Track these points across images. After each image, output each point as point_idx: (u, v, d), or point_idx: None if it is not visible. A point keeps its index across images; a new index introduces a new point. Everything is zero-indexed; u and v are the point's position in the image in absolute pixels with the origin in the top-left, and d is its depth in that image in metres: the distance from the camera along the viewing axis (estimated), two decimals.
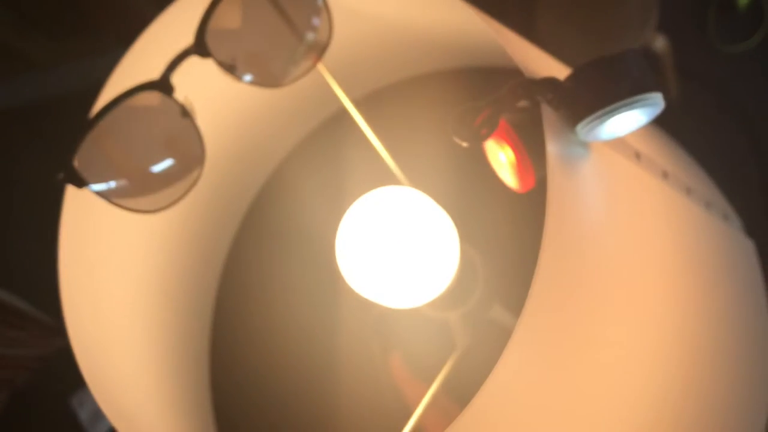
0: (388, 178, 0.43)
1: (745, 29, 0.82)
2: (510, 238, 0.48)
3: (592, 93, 0.29)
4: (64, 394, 0.78)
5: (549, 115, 0.29)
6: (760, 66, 0.81)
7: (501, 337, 0.41)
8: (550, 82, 0.30)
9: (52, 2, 0.92)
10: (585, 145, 0.31)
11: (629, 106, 0.28)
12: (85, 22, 0.94)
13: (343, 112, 0.47)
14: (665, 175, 0.39)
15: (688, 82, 0.81)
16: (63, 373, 0.79)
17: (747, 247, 0.48)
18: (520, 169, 0.32)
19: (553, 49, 0.79)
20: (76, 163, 0.34)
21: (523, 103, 0.30)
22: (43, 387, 0.80)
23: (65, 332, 0.40)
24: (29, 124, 0.98)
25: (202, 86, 0.39)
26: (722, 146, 0.78)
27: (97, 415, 0.77)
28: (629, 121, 0.29)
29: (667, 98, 0.29)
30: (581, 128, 0.29)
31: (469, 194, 0.47)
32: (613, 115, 0.29)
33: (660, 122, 0.57)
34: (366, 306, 0.42)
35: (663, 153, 0.42)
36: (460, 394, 0.44)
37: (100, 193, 0.35)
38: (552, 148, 0.29)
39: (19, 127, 0.99)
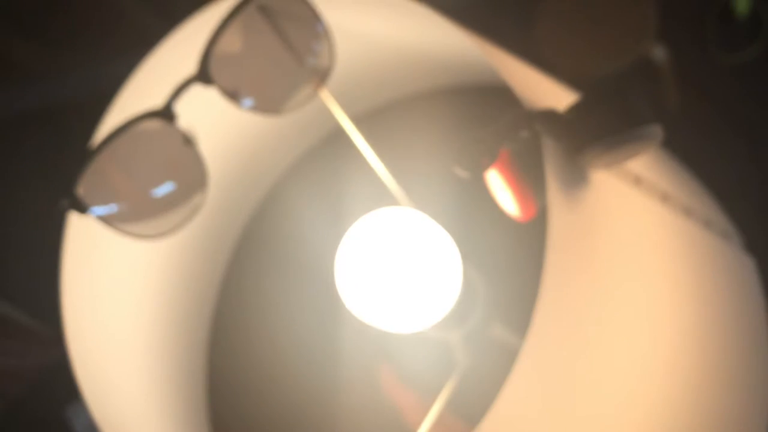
0: (387, 198, 0.43)
1: (745, 39, 0.82)
2: (511, 258, 0.48)
3: (592, 125, 0.29)
4: (59, 406, 0.78)
5: (549, 146, 0.30)
6: (760, 76, 0.81)
7: (502, 357, 0.41)
8: (551, 114, 0.30)
9: (48, 11, 0.92)
10: (585, 174, 0.31)
11: (629, 139, 0.29)
12: (81, 32, 0.94)
13: (339, 132, 0.47)
14: (665, 198, 0.39)
15: (688, 92, 0.81)
16: (59, 384, 0.79)
17: (747, 264, 0.48)
18: (521, 198, 0.32)
19: (552, 60, 0.79)
20: (79, 191, 0.34)
21: (523, 134, 0.30)
22: (39, 398, 0.80)
23: (62, 343, 0.40)
24: (25, 133, 0.98)
25: (203, 111, 0.40)
26: (722, 158, 0.78)
27: (93, 427, 0.77)
28: (628, 152, 0.30)
29: (666, 108, 0.30)
30: (581, 158, 0.30)
31: (467, 213, 0.47)
32: (612, 147, 0.29)
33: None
34: (366, 327, 0.42)
35: (662, 174, 0.43)
36: (463, 412, 0.44)
37: (103, 220, 0.35)
38: (552, 178, 0.29)
39: (15, 136, 0.99)
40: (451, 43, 0.43)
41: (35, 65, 0.99)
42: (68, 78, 0.98)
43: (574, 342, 0.33)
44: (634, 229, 0.36)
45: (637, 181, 0.36)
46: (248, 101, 0.37)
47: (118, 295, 0.47)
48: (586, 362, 0.34)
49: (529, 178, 0.32)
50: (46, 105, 1.00)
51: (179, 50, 0.40)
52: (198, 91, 0.36)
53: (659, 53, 0.78)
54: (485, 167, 0.30)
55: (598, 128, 0.29)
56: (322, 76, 0.38)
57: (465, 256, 0.41)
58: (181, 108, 0.35)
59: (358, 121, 0.44)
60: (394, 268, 0.39)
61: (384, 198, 0.43)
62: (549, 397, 0.33)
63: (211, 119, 0.45)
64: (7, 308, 0.79)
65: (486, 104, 0.50)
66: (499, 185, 0.32)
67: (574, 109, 0.30)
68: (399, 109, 0.55)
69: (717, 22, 0.83)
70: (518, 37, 0.45)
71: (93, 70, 0.93)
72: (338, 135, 0.55)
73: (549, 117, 0.30)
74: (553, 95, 0.39)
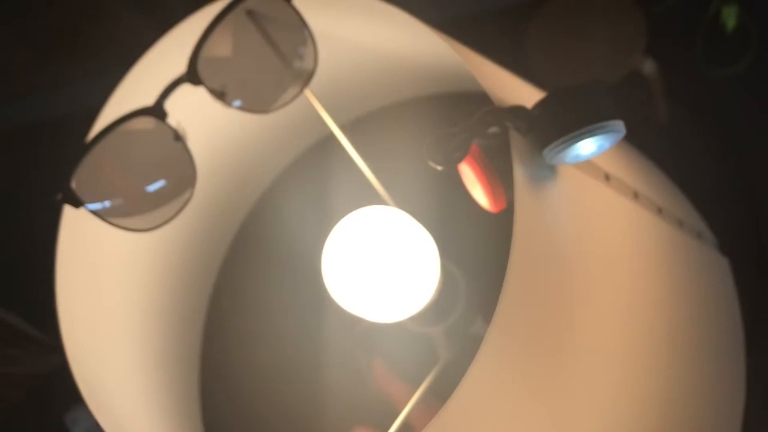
0: (373, 199, 0.45)
1: (733, 53, 0.83)
2: (492, 256, 0.49)
3: (557, 120, 0.31)
4: (58, 412, 0.79)
5: (517, 141, 0.31)
6: (748, 89, 0.83)
7: None
8: (519, 110, 0.31)
9: (52, 25, 0.94)
10: (552, 168, 0.33)
11: (591, 133, 0.30)
12: (84, 45, 0.96)
13: (328, 139, 0.49)
14: (635, 195, 0.40)
15: (677, 106, 0.82)
16: (57, 390, 0.80)
17: (721, 264, 0.50)
18: (491, 190, 0.34)
19: (543, 75, 0.81)
20: (73, 184, 0.36)
21: (493, 129, 0.32)
22: (38, 404, 0.80)
23: (61, 350, 0.41)
24: (29, 144, 0.99)
25: (194, 112, 0.41)
26: (709, 169, 0.79)
27: None
28: (592, 146, 0.31)
29: (655, 122, 0.31)
30: (547, 153, 0.31)
31: (450, 214, 0.48)
32: (575, 141, 0.30)
33: (646, 145, 0.58)
34: (353, 321, 0.43)
35: (635, 174, 0.44)
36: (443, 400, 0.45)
37: (95, 213, 0.36)
38: (519, 171, 0.31)
39: (20, 147, 1.01)
40: (431, 51, 0.44)
41: (39, 78, 1.00)
42: (71, 90, 1.00)
43: (537, 333, 0.34)
44: (603, 224, 0.38)
45: (607, 177, 0.38)
46: (235, 101, 0.38)
47: (115, 292, 0.48)
48: (550, 355, 0.35)
49: (498, 171, 0.33)
50: (49, 116, 1.02)
51: (171, 53, 0.41)
52: (189, 93, 0.38)
53: (649, 67, 0.80)
54: (457, 161, 0.32)
55: (563, 123, 0.31)
56: (306, 77, 0.40)
57: (446, 254, 0.43)
58: (173, 109, 0.37)
59: (346, 128, 0.46)
60: (376, 262, 0.41)
61: (370, 200, 0.45)
62: (512, 382, 0.34)
63: (204, 124, 0.47)
64: (7, 316, 0.80)
65: (463, 110, 0.52)
66: (470, 178, 0.34)
67: (541, 106, 0.31)
68: (381, 117, 0.57)
69: (706, 37, 0.84)
70: (508, 58, 0.47)
71: (95, 83, 0.95)
72: (325, 142, 0.57)
73: (517, 113, 0.31)
74: (526, 95, 0.40)
